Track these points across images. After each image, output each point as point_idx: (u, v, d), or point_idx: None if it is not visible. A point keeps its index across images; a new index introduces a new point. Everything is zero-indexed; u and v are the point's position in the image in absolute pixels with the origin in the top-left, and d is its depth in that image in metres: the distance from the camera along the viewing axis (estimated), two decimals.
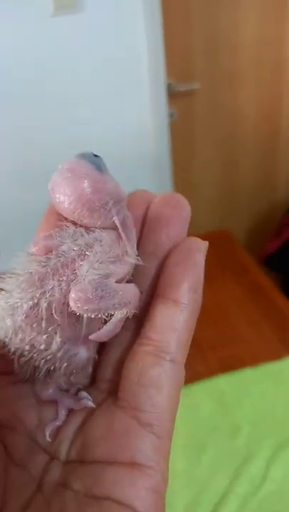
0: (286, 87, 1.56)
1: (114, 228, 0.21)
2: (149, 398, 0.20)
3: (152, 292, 0.22)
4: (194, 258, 0.22)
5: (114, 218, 0.21)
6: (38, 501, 0.21)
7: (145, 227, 0.23)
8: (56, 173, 0.21)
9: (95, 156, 0.21)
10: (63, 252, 0.20)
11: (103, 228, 0.21)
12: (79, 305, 0.19)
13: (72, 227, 0.21)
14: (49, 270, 0.20)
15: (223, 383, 0.83)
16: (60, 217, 0.22)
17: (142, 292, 0.22)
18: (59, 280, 0.20)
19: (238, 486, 0.68)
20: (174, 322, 0.21)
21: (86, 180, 0.20)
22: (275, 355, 0.88)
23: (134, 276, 0.22)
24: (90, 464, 0.21)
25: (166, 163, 1.39)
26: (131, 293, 0.21)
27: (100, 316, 0.20)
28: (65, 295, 0.20)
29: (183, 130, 1.47)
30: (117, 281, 0.21)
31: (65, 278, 0.20)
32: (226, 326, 0.97)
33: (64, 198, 0.20)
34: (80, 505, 0.20)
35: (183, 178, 1.52)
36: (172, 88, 1.36)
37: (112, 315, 0.21)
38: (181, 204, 0.23)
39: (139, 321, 0.22)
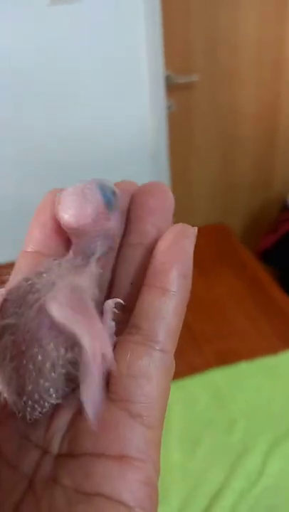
0: (285, 86, 1.56)
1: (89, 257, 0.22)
2: (138, 388, 0.20)
3: (141, 282, 0.22)
4: (182, 244, 0.21)
5: (94, 254, 0.22)
6: (30, 499, 0.20)
7: (129, 217, 0.23)
8: (71, 187, 0.22)
9: (113, 190, 0.22)
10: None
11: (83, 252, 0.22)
12: (55, 309, 0.19)
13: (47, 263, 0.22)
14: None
15: (219, 377, 0.83)
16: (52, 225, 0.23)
17: (131, 283, 0.22)
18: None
19: (234, 480, 0.67)
20: (162, 310, 0.20)
21: (90, 209, 0.21)
22: (271, 350, 0.88)
23: (121, 267, 0.23)
24: (79, 457, 0.20)
25: (164, 156, 1.38)
26: (98, 329, 0.20)
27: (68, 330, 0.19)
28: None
29: (181, 122, 1.47)
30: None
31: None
32: (223, 319, 0.97)
33: (66, 211, 0.22)
34: (69, 501, 0.19)
35: (180, 172, 1.51)
36: (171, 80, 1.35)
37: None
38: (164, 191, 0.23)
39: (130, 313, 0.22)
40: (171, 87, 1.37)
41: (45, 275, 0.21)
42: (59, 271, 0.21)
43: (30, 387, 0.20)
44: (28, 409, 0.21)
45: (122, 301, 0.22)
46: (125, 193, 0.24)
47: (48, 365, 0.20)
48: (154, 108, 1.30)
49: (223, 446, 0.72)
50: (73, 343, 0.20)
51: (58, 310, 0.19)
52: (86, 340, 0.19)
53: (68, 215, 0.21)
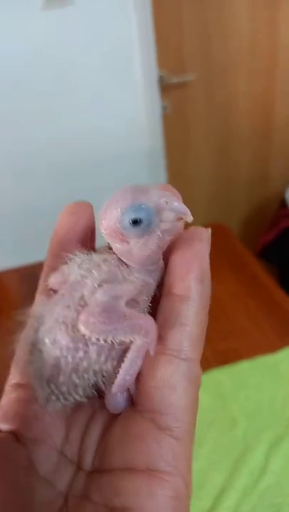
0: (280, 78, 1.55)
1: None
2: (164, 399, 0.20)
3: (160, 291, 0.22)
4: (197, 248, 0.21)
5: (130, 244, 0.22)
6: None
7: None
8: (116, 193, 0.22)
9: (139, 218, 0.21)
10: (72, 282, 0.22)
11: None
12: (86, 327, 0.20)
13: (81, 256, 0.22)
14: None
15: (220, 376, 0.83)
16: (65, 247, 0.23)
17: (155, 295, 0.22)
18: (68, 306, 0.21)
19: (237, 479, 0.68)
20: (182, 317, 0.20)
21: (105, 223, 0.22)
22: (271, 348, 0.88)
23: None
24: (108, 472, 0.20)
25: (161, 157, 1.38)
26: (145, 321, 0.20)
27: (109, 341, 0.20)
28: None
29: (176, 121, 1.46)
30: (128, 303, 0.21)
31: (74, 304, 0.21)
32: (222, 318, 0.97)
33: (101, 217, 0.22)
34: None
35: (177, 171, 1.51)
36: (164, 80, 1.35)
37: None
38: (175, 192, 0.23)
39: None
40: (166, 88, 1.37)
41: (94, 271, 0.22)
42: (107, 269, 0.22)
43: (61, 379, 0.21)
44: (53, 397, 0.21)
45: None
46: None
47: (85, 364, 0.21)
48: (149, 109, 1.30)
49: (226, 445, 0.73)
50: (114, 356, 0.21)
51: (89, 330, 0.20)
52: (132, 338, 0.20)
53: (103, 218, 0.22)
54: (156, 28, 1.21)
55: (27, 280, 1.04)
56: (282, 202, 1.66)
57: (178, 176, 1.52)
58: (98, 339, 0.20)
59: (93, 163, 1.30)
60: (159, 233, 0.21)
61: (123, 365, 0.20)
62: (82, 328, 0.20)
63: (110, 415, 0.22)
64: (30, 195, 1.30)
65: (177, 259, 0.21)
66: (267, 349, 0.88)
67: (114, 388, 0.20)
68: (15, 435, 0.22)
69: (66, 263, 0.23)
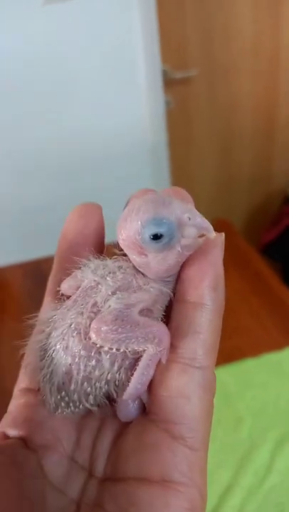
0: (283, 76, 1.55)
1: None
2: (177, 409, 0.19)
3: (173, 298, 0.21)
4: (210, 254, 0.20)
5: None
6: None
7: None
8: (137, 201, 0.21)
9: (160, 233, 0.20)
10: (85, 288, 0.21)
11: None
12: (98, 335, 0.19)
13: (95, 261, 0.22)
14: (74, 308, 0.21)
15: (225, 375, 0.82)
16: (74, 251, 0.22)
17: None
18: (81, 313, 0.21)
19: (243, 478, 0.67)
20: (196, 325, 0.20)
21: (124, 233, 0.21)
22: (275, 346, 0.87)
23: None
24: (122, 481, 0.19)
25: (164, 153, 1.37)
26: (158, 329, 0.20)
27: (122, 350, 0.19)
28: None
29: (179, 117, 1.46)
30: (142, 312, 0.20)
31: (87, 311, 0.20)
32: (226, 316, 0.96)
33: (120, 225, 0.21)
34: None
35: (180, 167, 1.51)
36: (168, 75, 1.34)
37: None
38: (186, 196, 0.22)
39: None
40: (169, 83, 1.36)
41: (108, 278, 0.21)
42: (122, 275, 0.21)
43: (73, 387, 0.20)
44: (62, 404, 0.21)
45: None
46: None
47: (97, 373, 0.20)
48: (152, 104, 1.29)
49: (231, 444, 0.72)
50: (127, 366, 0.20)
51: (101, 338, 0.19)
52: (145, 347, 0.19)
53: (119, 230, 0.21)
54: (159, 22, 1.20)
55: (31, 275, 1.04)
56: (285, 200, 1.65)
57: (180, 172, 1.51)
58: (111, 348, 0.19)
59: (96, 160, 1.29)
60: (179, 249, 0.20)
61: (135, 374, 0.20)
62: (94, 337, 0.19)
63: (122, 422, 0.21)
64: (34, 192, 1.29)
65: (190, 266, 0.20)
66: (271, 347, 0.87)
67: (126, 396, 0.20)
68: (24, 441, 0.21)
69: (79, 268, 0.22)
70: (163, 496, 0.18)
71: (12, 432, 0.21)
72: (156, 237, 0.20)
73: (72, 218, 0.23)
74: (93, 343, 0.20)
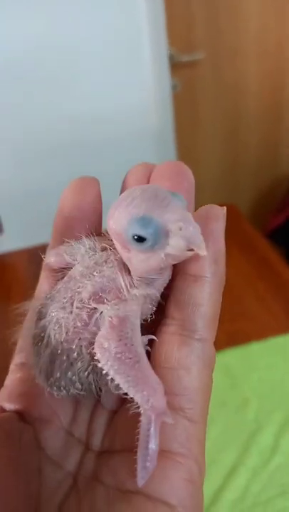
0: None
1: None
2: (178, 380, 0.19)
3: (173, 271, 0.21)
4: (211, 227, 0.20)
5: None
6: (72, 499, 0.20)
7: None
8: (134, 190, 0.19)
9: (148, 233, 0.19)
10: (71, 278, 0.21)
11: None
12: (102, 354, 0.19)
13: (85, 243, 0.21)
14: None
15: (230, 358, 0.83)
16: (70, 225, 0.22)
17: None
18: (64, 307, 0.21)
19: (248, 458, 0.68)
20: (197, 298, 0.19)
21: (113, 226, 0.20)
22: (281, 330, 0.88)
23: None
24: (120, 453, 0.19)
25: (170, 135, 1.36)
26: (154, 388, 0.18)
27: (110, 377, 0.19)
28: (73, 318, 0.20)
29: (185, 101, 1.44)
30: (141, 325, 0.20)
31: (69, 307, 0.20)
32: (232, 300, 0.96)
33: (110, 213, 0.20)
34: (109, 500, 0.18)
35: (186, 150, 1.50)
36: (174, 59, 1.33)
37: None
38: (184, 171, 0.21)
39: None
40: (175, 66, 1.34)
41: (96, 273, 0.20)
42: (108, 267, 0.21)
43: (58, 375, 0.21)
44: (54, 387, 0.21)
45: (154, 338, 0.20)
46: (142, 174, 0.22)
47: (79, 364, 0.20)
48: (158, 88, 1.27)
49: (237, 425, 0.73)
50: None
51: (106, 360, 0.19)
52: (140, 400, 0.18)
53: (109, 218, 0.20)
54: (166, 6, 1.19)
55: (36, 260, 1.03)
56: None
57: (187, 157, 1.50)
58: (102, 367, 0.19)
59: (103, 143, 1.28)
60: (162, 256, 0.19)
61: (138, 453, 0.18)
62: (99, 355, 0.19)
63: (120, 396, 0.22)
64: (38, 177, 1.28)
65: None
66: (276, 331, 0.88)
67: (139, 481, 0.18)
68: (21, 415, 0.21)
69: (68, 244, 0.22)
70: (162, 467, 0.18)
71: (8, 406, 0.22)
72: (139, 238, 0.18)
73: (69, 192, 0.22)
74: (76, 335, 0.20)
